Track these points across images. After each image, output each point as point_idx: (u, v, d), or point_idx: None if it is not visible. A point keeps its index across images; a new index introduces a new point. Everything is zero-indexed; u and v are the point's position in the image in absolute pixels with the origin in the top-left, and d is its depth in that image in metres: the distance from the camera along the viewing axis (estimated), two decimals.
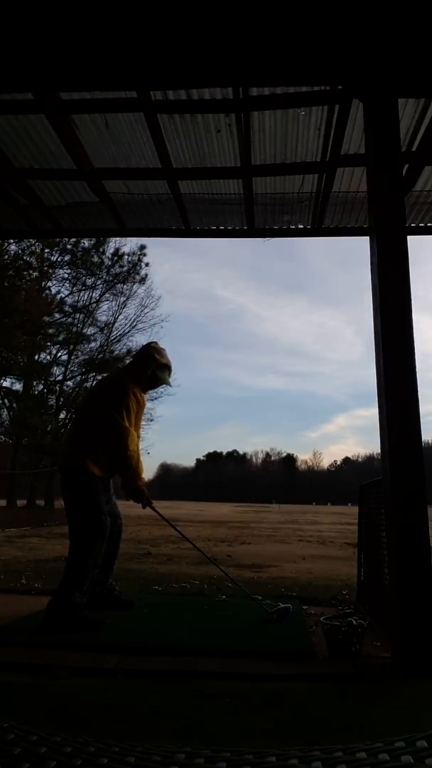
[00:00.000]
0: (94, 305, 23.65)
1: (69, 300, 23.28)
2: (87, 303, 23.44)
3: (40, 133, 3.62)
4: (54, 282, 22.98)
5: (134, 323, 24.12)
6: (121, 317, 24.06)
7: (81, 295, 23.34)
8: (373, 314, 2.72)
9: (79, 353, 23.77)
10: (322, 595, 4.06)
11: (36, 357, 22.46)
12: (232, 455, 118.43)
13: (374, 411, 2.63)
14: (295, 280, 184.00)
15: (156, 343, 3.58)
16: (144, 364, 3.44)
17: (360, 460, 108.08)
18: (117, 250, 22.72)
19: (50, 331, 22.57)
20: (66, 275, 22.94)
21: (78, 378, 23.69)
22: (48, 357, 23.42)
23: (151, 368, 3.41)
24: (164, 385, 3.58)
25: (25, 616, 3.20)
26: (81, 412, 3.41)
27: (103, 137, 3.68)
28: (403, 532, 2.43)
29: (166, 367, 3.50)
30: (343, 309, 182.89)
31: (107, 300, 23.89)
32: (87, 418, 3.28)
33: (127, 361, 3.46)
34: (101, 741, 0.95)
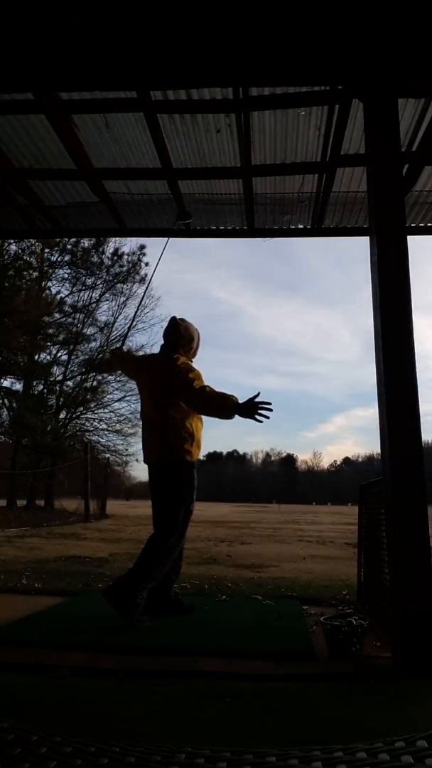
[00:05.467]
0: (94, 305, 23.62)
1: (69, 300, 23.18)
2: (87, 303, 23.40)
3: (40, 133, 3.62)
4: (54, 282, 22.95)
5: (134, 323, 24.09)
6: (120, 317, 24.02)
7: (81, 295, 23.29)
8: (373, 314, 2.72)
9: (79, 353, 23.75)
10: (322, 595, 4.06)
11: (36, 357, 22.41)
12: (232, 455, 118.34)
13: (372, 411, 2.67)
14: (291, 280, 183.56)
15: (175, 317, 3.59)
16: (189, 338, 3.50)
17: (360, 460, 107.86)
18: (117, 249, 22.70)
19: (50, 331, 22.51)
20: (66, 275, 22.91)
21: (78, 378, 23.67)
22: (48, 357, 23.40)
23: (197, 338, 3.53)
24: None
25: (26, 616, 3.20)
26: (154, 406, 3.36)
27: (103, 137, 3.68)
28: (403, 532, 2.43)
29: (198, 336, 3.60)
30: (339, 309, 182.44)
31: (107, 300, 23.86)
32: (165, 408, 3.28)
33: (161, 345, 3.55)
34: (101, 741, 0.95)
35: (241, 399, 3.08)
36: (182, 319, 3.56)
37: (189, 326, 3.54)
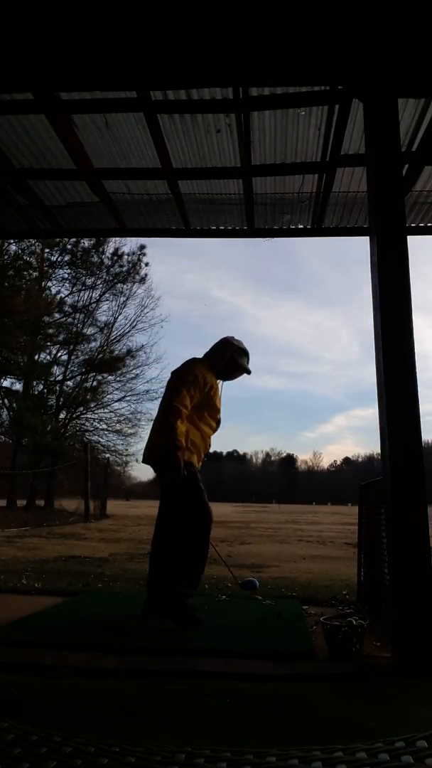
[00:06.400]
0: (94, 305, 23.61)
1: (69, 300, 23.17)
2: (87, 303, 23.39)
3: (40, 133, 3.62)
4: (54, 282, 22.94)
5: (134, 323, 24.07)
6: (121, 317, 24.01)
7: (81, 295, 23.28)
8: (373, 314, 2.72)
9: (79, 353, 23.74)
10: (322, 595, 4.06)
11: (36, 357, 22.39)
12: (232, 455, 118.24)
13: (372, 411, 2.67)
14: (290, 281, 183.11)
15: (231, 336, 3.59)
16: (221, 350, 3.50)
17: (360, 460, 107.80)
18: (117, 249, 22.69)
19: (50, 331, 22.51)
20: (66, 275, 22.90)
21: (78, 378, 23.66)
22: (48, 357, 23.38)
23: (229, 352, 3.47)
24: (245, 373, 3.59)
25: (25, 616, 3.20)
26: (161, 405, 3.41)
27: (103, 137, 3.68)
28: (403, 532, 2.43)
29: (244, 353, 3.55)
30: (338, 310, 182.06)
31: (107, 300, 23.85)
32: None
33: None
34: (101, 741, 0.95)
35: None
36: (232, 339, 3.55)
37: (225, 343, 3.52)
